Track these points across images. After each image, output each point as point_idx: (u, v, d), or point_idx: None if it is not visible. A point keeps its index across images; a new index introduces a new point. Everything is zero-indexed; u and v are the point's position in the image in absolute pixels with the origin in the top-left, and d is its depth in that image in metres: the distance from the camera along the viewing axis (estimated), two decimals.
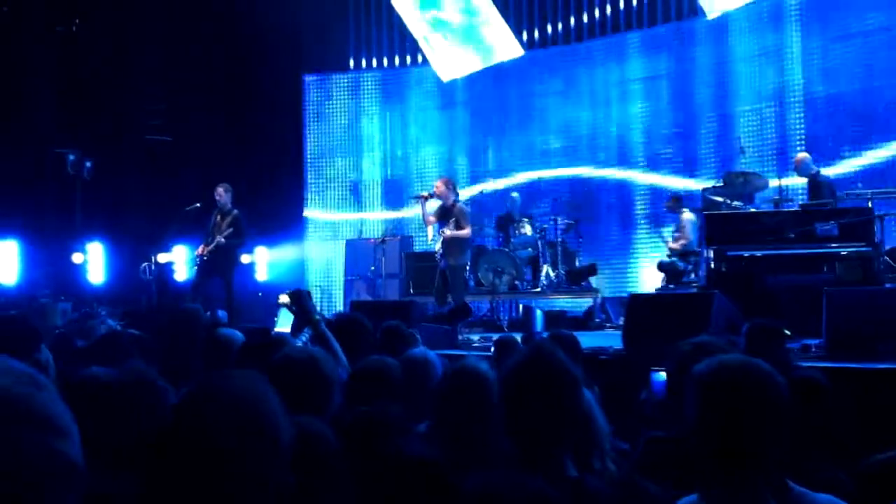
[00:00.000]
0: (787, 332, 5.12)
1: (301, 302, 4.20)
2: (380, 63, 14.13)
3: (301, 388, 2.54)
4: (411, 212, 12.48)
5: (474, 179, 12.85)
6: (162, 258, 11.54)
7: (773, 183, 9.53)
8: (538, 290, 10.81)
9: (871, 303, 6.06)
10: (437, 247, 9.26)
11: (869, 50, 10.22)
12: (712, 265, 7.79)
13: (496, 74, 13.05)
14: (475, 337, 8.45)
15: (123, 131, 12.64)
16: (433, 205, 9.27)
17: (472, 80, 13.16)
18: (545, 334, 5.95)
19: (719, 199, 9.08)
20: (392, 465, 2.26)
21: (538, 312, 9.85)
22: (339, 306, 12.44)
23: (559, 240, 11.12)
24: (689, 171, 11.65)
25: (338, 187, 14.15)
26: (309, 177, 14.18)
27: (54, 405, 0.99)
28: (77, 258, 11.45)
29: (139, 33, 12.61)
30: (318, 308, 5.18)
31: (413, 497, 2.20)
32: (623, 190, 12.26)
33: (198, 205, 10.46)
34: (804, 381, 3.02)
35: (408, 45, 13.76)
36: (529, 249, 11.07)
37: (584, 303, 10.97)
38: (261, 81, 13.20)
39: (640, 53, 12.20)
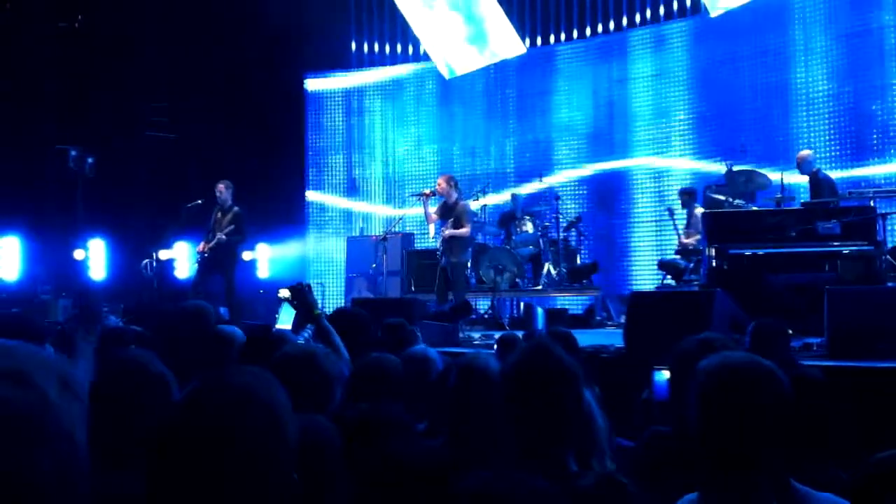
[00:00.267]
0: (790, 330, 5.12)
1: (302, 296, 4.16)
2: (381, 61, 14.11)
3: (302, 384, 2.52)
4: (412, 210, 12.48)
5: (474, 179, 12.82)
6: (163, 255, 11.53)
7: (775, 176, 9.48)
8: (539, 287, 10.80)
9: (873, 302, 6.05)
10: (439, 244, 9.27)
11: (869, 49, 10.21)
12: (714, 263, 7.78)
13: (498, 71, 13.05)
14: (476, 334, 8.45)
15: (125, 128, 12.63)
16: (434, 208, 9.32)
17: (474, 77, 13.14)
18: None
19: (721, 197, 9.07)
20: (392, 464, 2.25)
21: (539, 310, 9.84)
22: (341, 303, 12.44)
23: (561, 237, 11.12)
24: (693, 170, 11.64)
25: (338, 185, 14.15)
26: (310, 174, 14.18)
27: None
28: (78, 254, 11.44)
29: (141, 30, 12.60)
30: (320, 304, 5.16)
31: (413, 496, 2.20)
32: (624, 187, 12.25)
33: (199, 202, 10.48)
34: (802, 379, 3.01)
35: (409, 42, 13.75)
36: (531, 247, 11.06)
37: (586, 300, 10.97)
38: (262, 79, 13.19)
39: (643, 51, 12.18)
